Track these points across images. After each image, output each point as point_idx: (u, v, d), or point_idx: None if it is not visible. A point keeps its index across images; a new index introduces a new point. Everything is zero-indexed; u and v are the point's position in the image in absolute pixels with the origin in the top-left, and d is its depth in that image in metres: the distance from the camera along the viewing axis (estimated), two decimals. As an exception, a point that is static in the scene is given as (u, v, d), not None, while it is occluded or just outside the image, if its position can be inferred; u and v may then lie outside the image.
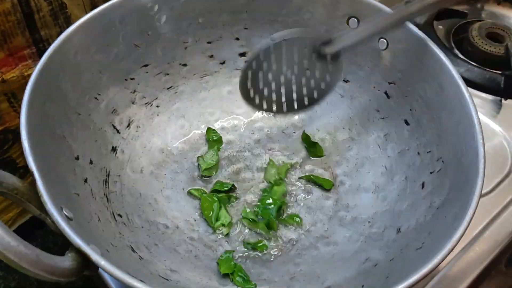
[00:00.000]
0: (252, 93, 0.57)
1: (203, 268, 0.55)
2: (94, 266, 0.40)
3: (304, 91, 0.58)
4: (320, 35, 0.56)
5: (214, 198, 0.62)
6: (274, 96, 0.58)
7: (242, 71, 0.56)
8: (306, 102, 0.59)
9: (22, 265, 0.34)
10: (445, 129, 0.55)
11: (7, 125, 0.60)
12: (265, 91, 0.57)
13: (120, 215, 0.56)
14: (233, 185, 0.65)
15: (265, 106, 0.59)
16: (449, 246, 0.41)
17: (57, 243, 0.71)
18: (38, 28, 0.58)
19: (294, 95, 0.58)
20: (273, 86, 0.57)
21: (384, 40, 0.61)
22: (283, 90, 0.58)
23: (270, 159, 0.68)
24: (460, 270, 0.61)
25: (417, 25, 0.58)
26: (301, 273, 0.55)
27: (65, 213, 0.43)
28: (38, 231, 0.71)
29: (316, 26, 0.66)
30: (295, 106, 0.59)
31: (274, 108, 0.59)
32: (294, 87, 0.58)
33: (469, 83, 0.54)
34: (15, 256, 0.34)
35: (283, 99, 0.58)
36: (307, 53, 0.55)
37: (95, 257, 0.38)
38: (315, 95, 0.59)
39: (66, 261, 0.38)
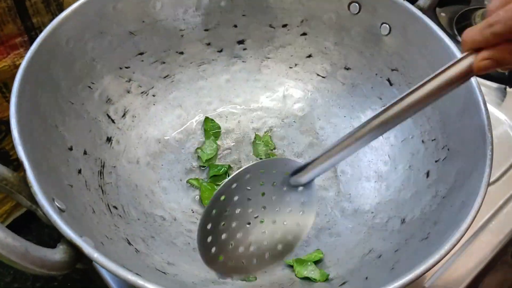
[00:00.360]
0: (216, 250, 0.46)
1: (201, 261, 0.53)
2: (87, 259, 0.38)
3: (277, 236, 0.47)
4: (289, 164, 0.47)
5: (215, 186, 0.61)
6: (241, 250, 0.47)
7: (199, 225, 0.45)
8: (279, 249, 0.47)
9: (10, 258, 0.33)
10: (450, 116, 0.53)
11: (-1, 116, 0.59)
12: (231, 245, 0.46)
13: (115, 207, 0.55)
14: (229, 165, 0.64)
15: (232, 265, 0.46)
16: (456, 236, 0.40)
17: (52, 236, 0.69)
18: (30, 15, 0.57)
19: (265, 243, 0.47)
20: (240, 236, 0.47)
21: (387, 26, 0.60)
22: (251, 239, 0.47)
23: (255, 134, 0.67)
24: (465, 262, 0.60)
25: (420, 9, 0.57)
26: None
27: (57, 204, 0.42)
28: (33, 225, 0.70)
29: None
30: (267, 257, 0.47)
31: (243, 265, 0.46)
32: (264, 235, 0.47)
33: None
34: (2, 248, 0.32)
35: (254, 251, 0.47)
36: (276, 187, 0.47)
37: (87, 249, 0.37)
38: (290, 237, 0.48)
39: (57, 254, 0.36)
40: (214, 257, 0.46)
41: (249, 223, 0.47)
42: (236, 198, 0.46)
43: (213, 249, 0.45)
